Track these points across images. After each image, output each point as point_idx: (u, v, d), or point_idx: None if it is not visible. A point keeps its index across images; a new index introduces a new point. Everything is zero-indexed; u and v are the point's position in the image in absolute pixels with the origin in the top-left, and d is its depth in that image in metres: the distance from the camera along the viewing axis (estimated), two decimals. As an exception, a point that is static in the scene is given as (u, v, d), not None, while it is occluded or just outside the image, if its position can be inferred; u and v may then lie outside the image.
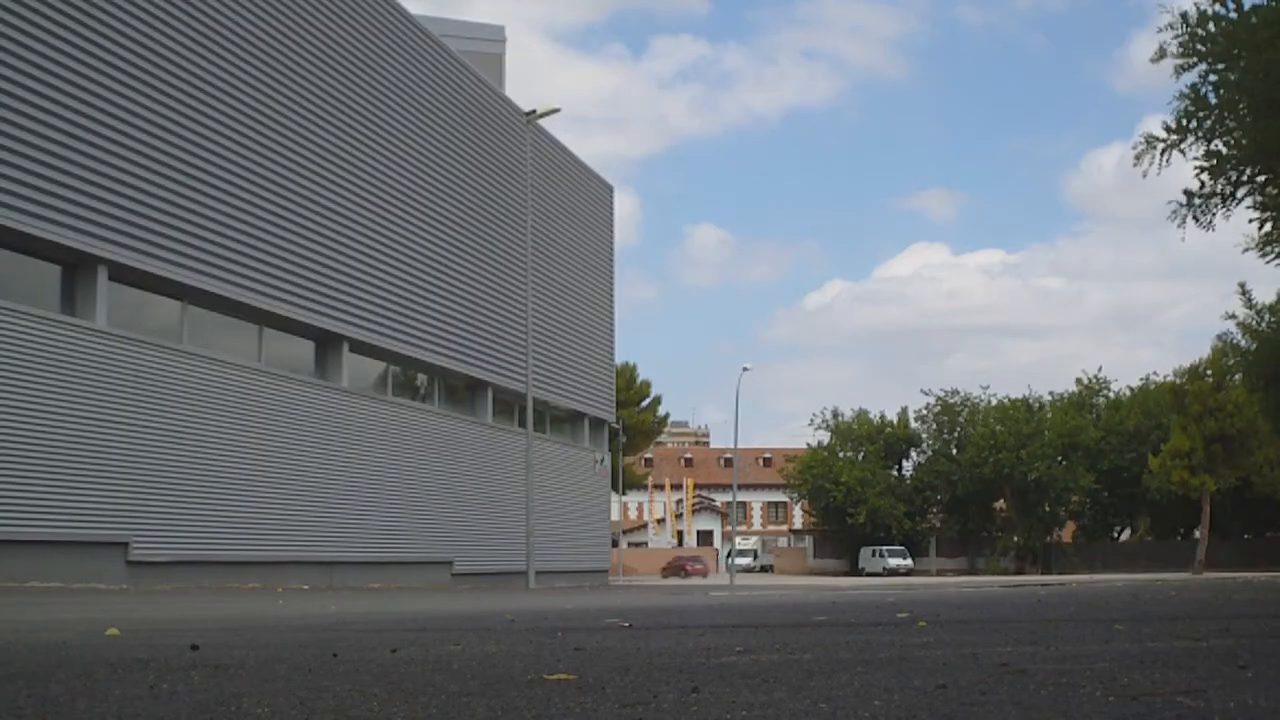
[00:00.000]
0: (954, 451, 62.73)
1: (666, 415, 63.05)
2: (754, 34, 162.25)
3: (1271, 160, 8.67)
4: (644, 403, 57.70)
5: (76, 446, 17.07)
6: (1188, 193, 9.23)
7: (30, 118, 16.71)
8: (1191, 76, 8.60)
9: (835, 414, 65.40)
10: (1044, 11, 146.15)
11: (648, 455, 77.40)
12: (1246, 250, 10.25)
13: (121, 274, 18.44)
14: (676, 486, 76.29)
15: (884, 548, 60.70)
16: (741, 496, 71.64)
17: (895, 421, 65.14)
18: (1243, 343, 30.41)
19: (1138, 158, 9.07)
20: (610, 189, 37.77)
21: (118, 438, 17.80)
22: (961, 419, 63.25)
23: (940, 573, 60.18)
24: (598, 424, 36.67)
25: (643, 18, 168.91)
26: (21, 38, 16.67)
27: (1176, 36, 8.38)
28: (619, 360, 43.60)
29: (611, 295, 37.22)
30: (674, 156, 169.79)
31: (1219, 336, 39.07)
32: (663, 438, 76.73)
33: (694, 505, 76.91)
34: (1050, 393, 64.85)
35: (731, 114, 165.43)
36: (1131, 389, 63.29)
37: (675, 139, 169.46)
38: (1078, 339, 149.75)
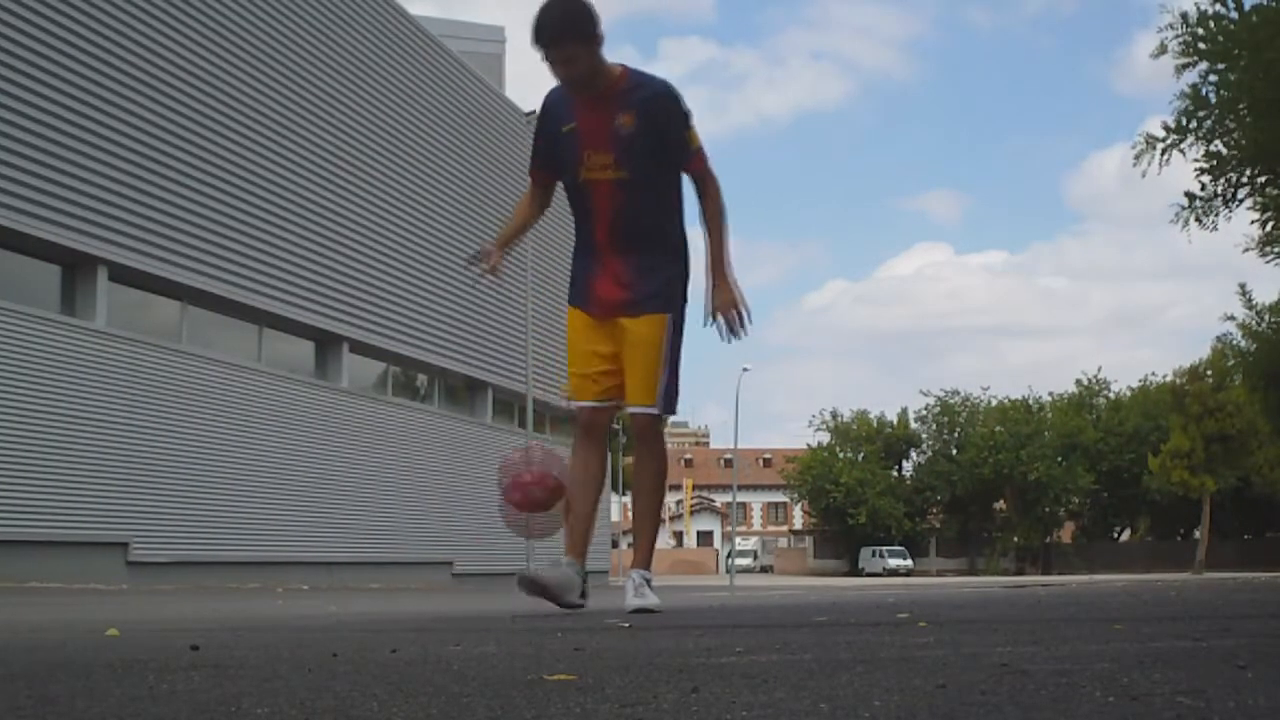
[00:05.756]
0: (954, 452, 62.74)
1: (666, 415, 63.06)
2: (763, 36, 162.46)
3: (1272, 161, 8.65)
4: (644, 403, 57.69)
5: (76, 446, 17.07)
6: (1189, 195, 9.20)
7: (30, 117, 16.71)
8: (1191, 76, 8.57)
9: (835, 414, 65.45)
10: (1054, 15, 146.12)
11: (647, 455, 77.32)
12: (1247, 250, 10.20)
13: (121, 274, 18.44)
14: (676, 487, 76.30)
15: (884, 548, 60.70)
16: (741, 497, 71.66)
17: (895, 422, 65.16)
18: (1242, 343, 30.42)
19: (1137, 157, 9.02)
20: (610, 189, 37.73)
21: (118, 438, 17.80)
22: (961, 419, 63.27)
23: (940, 573, 60.19)
24: (598, 424, 36.64)
25: (651, 20, 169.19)
26: (21, 37, 16.67)
27: (1177, 36, 8.36)
28: (619, 360, 43.53)
29: (611, 295, 37.16)
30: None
31: (1219, 337, 39.09)
32: (662, 438, 76.66)
33: (693, 506, 76.90)
34: (1050, 393, 64.94)
35: (740, 116, 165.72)
36: (1131, 389, 63.34)
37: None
38: (1078, 339, 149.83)
